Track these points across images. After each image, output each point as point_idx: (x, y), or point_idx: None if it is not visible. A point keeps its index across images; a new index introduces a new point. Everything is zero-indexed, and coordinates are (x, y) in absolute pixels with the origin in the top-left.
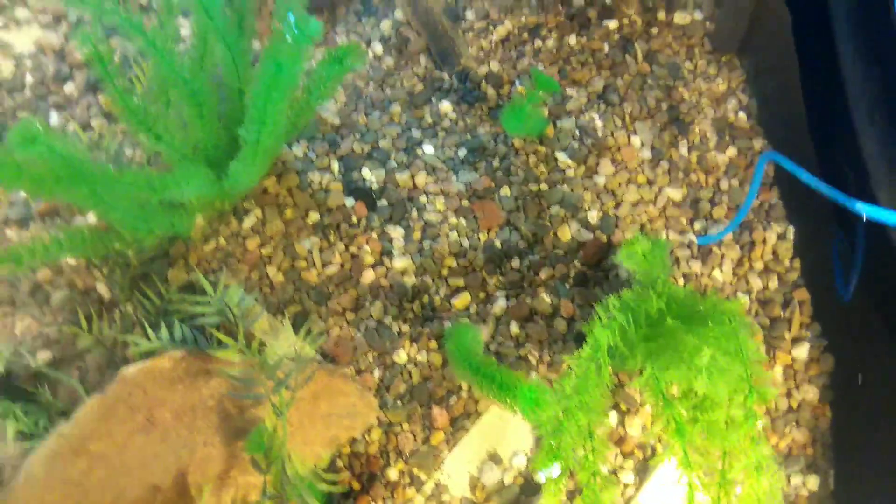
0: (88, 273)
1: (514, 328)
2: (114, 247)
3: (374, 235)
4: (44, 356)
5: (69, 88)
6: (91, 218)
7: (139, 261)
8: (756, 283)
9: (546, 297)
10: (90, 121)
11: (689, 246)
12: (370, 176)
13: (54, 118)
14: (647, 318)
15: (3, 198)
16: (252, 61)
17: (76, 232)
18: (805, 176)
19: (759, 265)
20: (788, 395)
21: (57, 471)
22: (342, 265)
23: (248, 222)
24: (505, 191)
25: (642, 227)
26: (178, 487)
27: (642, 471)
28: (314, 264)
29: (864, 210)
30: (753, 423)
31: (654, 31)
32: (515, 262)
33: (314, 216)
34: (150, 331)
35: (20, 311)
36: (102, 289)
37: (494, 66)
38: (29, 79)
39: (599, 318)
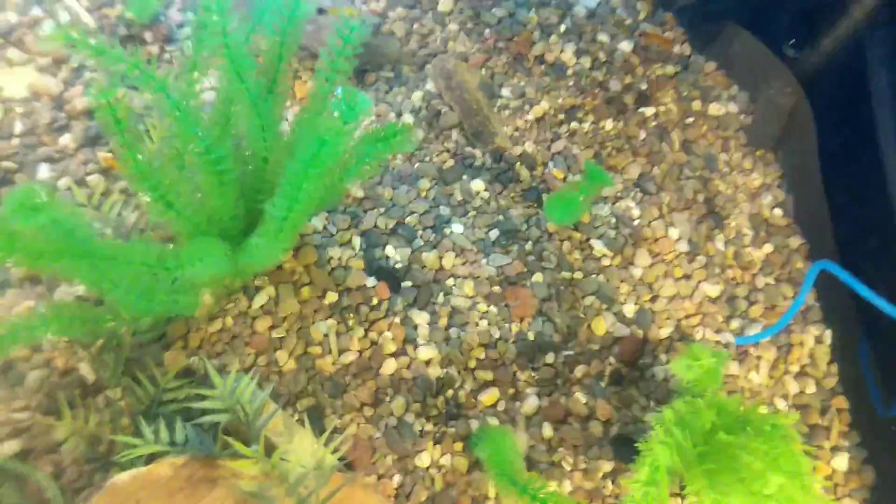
0: (71, 352)
1: (547, 431)
2: (106, 325)
3: (397, 321)
4: (11, 447)
5: (65, 140)
6: (78, 288)
7: (132, 342)
8: (792, 387)
9: (581, 397)
10: (85, 178)
11: (725, 346)
12: (394, 254)
13: (44, 172)
14: (703, 433)
15: None
16: (280, 127)
17: (64, 308)
18: (864, 290)
19: (795, 368)
20: None
21: None
22: (361, 353)
23: (259, 301)
24: (538, 277)
25: (679, 323)
26: None
27: None
28: (330, 351)
29: None
30: None
31: (690, 120)
32: (549, 357)
33: (332, 296)
34: (145, 427)
35: None
36: (86, 370)
37: (529, 146)
38: (18, 126)
39: (659, 433)
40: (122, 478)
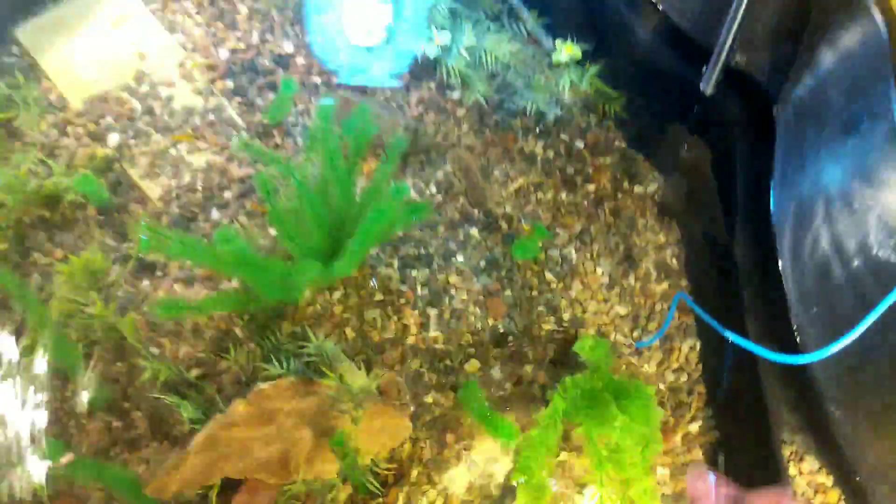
0: (230, 320)
1: (508, 389)
2: (250, 305)
3: (417, 313)
4: (195, 372)
5: (227, 195)
6: (234, 283)
7: (264, 316)
8: (671, 377)
9: (529, 370)
10: (238, 217)
11: (629, 346)
12: (418, 273)
13: (215, 214)
14: (591, 392)
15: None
16: (355, 192)
17: (227, 294)
18: (699, 311)
19: (675, 365)
20: (685, 453)
21: (212, 440)
22: (395, 330)
23: (336, 295)
24: (508, 292)
25: (599, 328)
26: (283, 461)
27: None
28: (376, 328)
29: (731, 336)
30: (647, 464)
31: (620, 195)
32: (511, 344)
33: (378, 295)
34: (275, 362)
35: (182, 341)
36: (238, 331)
37: (509, 208)
38: (200, 185)
39: (559, 391)
40: (264, 385)
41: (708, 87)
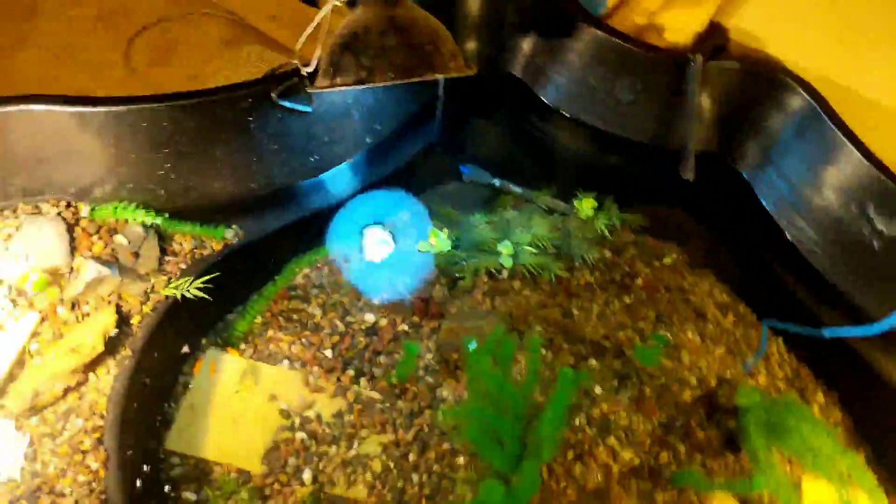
0: None
1: (708, 454)
2: None
3: (604, 451)
4: None
5: (412, 458)
6: None
7: None
8: (780, 373)
9: (702, 435)
10: (432, 471)
11: (742, 374)
12: (578, 417)
13: (415, 477)
14: (768, 423)
15: None
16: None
17: None
18: (791, 327)
19: (776, 365)
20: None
21: None
22: (599, 471)
23: None
24: (648, 391)
25: (717, 373)
26: None
27: None
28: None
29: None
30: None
31: (659, 274)
32: (679, 425)
33: (570, 454)
34: None
35: None
36: None
37: (602, 330)
38: (389, 467)
39: (748, 434)
40: None
41: (687, 172)
